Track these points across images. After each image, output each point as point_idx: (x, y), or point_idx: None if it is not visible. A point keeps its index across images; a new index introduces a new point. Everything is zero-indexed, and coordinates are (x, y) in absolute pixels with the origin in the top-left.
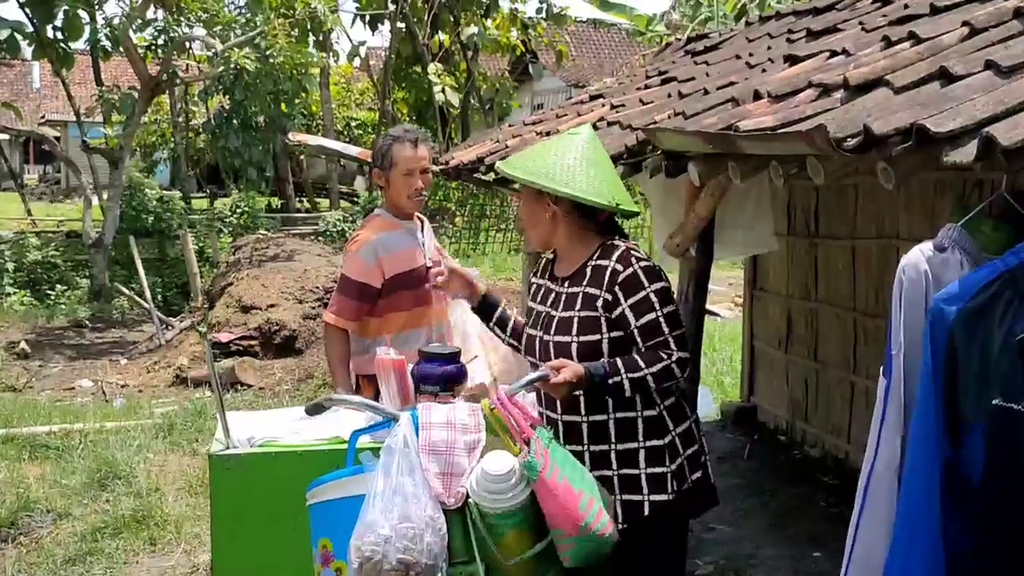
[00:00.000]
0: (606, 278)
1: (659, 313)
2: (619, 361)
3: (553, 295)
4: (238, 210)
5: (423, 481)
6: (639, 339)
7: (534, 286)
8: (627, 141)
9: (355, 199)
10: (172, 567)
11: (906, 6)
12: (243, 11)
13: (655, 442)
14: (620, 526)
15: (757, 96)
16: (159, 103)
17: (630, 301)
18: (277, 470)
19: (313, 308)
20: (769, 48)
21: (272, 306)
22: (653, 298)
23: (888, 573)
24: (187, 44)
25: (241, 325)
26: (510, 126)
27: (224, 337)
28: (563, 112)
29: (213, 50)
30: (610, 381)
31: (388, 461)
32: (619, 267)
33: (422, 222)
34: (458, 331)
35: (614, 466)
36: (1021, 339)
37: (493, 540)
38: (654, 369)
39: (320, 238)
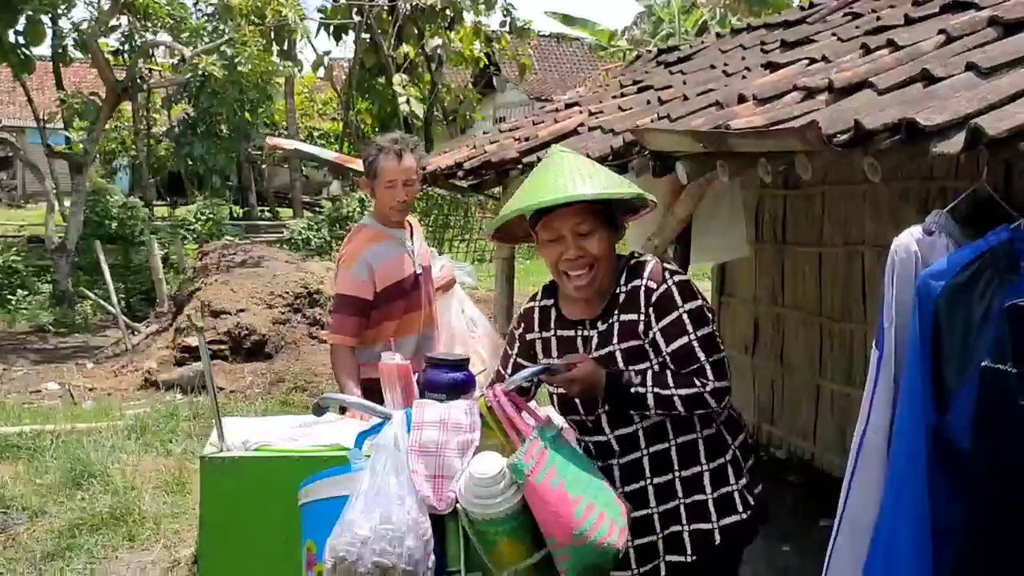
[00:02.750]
0: (641, 299)
1: (692, 336)
2: (647, 373)
3: (580, 341)
4: (203, 217)
5: (409, 482)
6: (672, 367)
7: (539, 342)
8: (612, 143)
9: (317, 208)
10: (152, 562)
11: (878, 18)
12: (211, 18)
13: (719, 461)
14: (689, 558)
15: (742, 99)
16: (120, 110)
17: (661, 324)
18: (270, 475)
19: (283, 313)
20: (744, 59)
21: (242, 311)
22: (686, 320)
23: (877, 532)
24: (150, 50)
25: (211, 329)
26: (484, 133)
27: (193, 341)
28: (539, 119)
29: (178, 56)
30: (632, 390)
31: (375, 460)
32: (652, 284)
33: (411, 226)
34: (445, 329)
35: (680, 495)
36: (1010, 306)
37: (484, 548)
38: (683, 392)
39: (285, 246)
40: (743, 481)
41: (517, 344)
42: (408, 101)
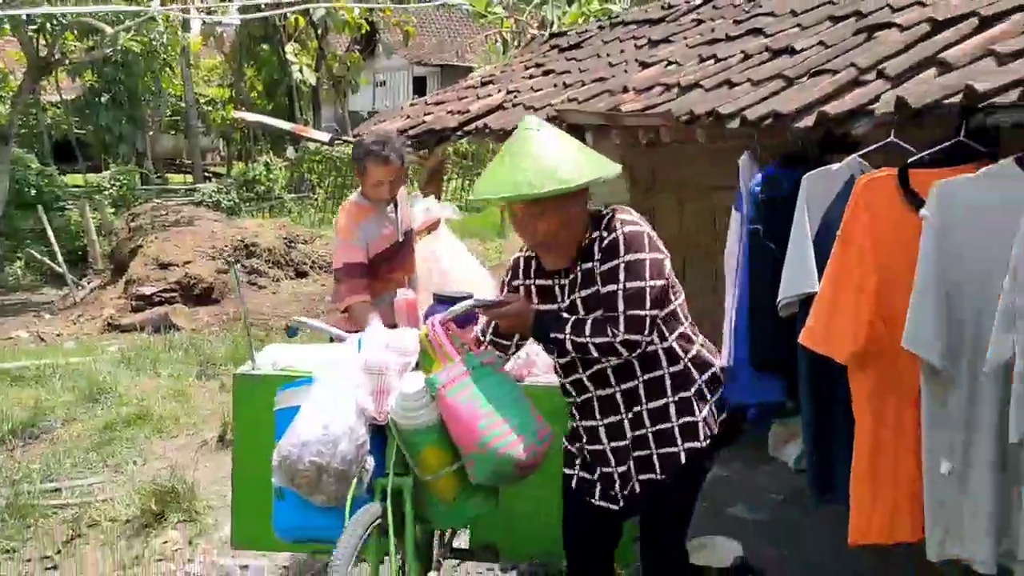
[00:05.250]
0: (596, 247)
1: (620, 286)
2: (569, 321)
3: (555, 289)
4: (116, 183)
5: (351, 395)
6: (601, 306)
7: (522, 288)
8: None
9: (208, 175)
10: (185, 445)
11: (712, 30)
12: None
13: (683, 394)
14: (659, 477)
15: (626, 89)
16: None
17: (603, 268)
18: None
19: (225, 264)
20: (622, 52)
21: (188, 263)
22: (620, 270)
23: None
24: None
25: (161, 280)
26: (412, 105)
27: (147, 290)
28: (463, 94)
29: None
30: (551, 335)
31: (324, 375)
32: (605, 233)
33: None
34: (434, 265)
35: (647, 424)
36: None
37: (411, 455)
38: (597, 341)
39: (198, 207)
40: (704, 413)
41: (506, 290)
42: (300, 69)
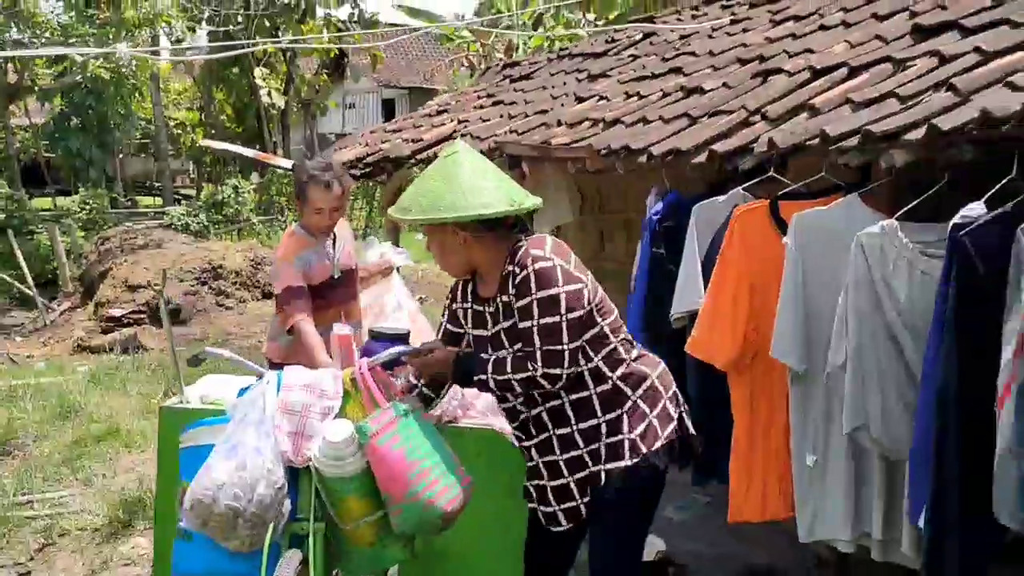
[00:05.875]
0: (510, 281)
1: (535, 323)
2: (490, 360)
3: (486, 316)
4: (86, 207)
5: (269, 436)
6: (520, 342)
7: (460, 311)
8: (480, 148)
9: (178, 198)
10: (153, 458)
11: (643, 67)
12: (96, 24)
13: (617, 411)
14: (584, 500)
15: (559, 123)
16: None
17: (518, 304)
18: None
19: (192, 286)
20: (565, 84)
21: (156, 285)
22: (534, 306)
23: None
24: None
25: (130, 302)
26: (372, 132)
27: (117, 312)
28: (419, 123)
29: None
30: (475, 377)
31: (241, 414)
32: (517, 269)
33: (335, 236)
34: (375, 307)
35: (580, 445)
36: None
37: (333, 503)
38: (519, 377)
39: (168, 230)
40: (639, 430)
41: (447, 313)
42: (269, 93)
